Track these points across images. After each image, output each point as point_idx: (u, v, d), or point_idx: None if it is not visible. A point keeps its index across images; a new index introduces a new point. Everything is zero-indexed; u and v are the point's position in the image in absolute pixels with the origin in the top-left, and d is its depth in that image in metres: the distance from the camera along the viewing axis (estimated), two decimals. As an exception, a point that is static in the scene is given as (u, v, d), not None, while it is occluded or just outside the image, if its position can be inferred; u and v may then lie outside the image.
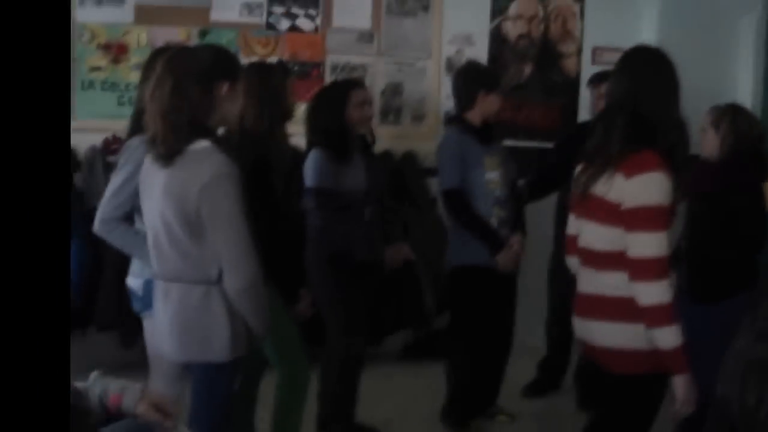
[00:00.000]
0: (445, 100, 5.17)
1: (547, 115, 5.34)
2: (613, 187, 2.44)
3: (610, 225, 2.46)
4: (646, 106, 2.50)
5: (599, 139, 2.55)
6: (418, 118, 5.24)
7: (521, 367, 4.41)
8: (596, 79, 4.35)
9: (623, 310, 2.44)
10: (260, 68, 3.48)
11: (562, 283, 4.34)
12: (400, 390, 4.40)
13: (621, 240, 2.43)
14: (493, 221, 3.84)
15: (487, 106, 3.87)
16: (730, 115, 3.52)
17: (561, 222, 4.27)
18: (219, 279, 2.50)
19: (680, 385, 2.40)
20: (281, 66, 3.78)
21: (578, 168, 2.66)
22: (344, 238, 3.65)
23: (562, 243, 4.27)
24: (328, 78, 5.02)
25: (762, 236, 3.53)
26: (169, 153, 2.46)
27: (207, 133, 2.49)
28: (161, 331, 2.64)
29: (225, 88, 2.52)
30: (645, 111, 2.49)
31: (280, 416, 3.34)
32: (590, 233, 2.56)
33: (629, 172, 2.41)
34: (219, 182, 2.42)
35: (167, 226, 2.50)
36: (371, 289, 3.84)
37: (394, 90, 5.13)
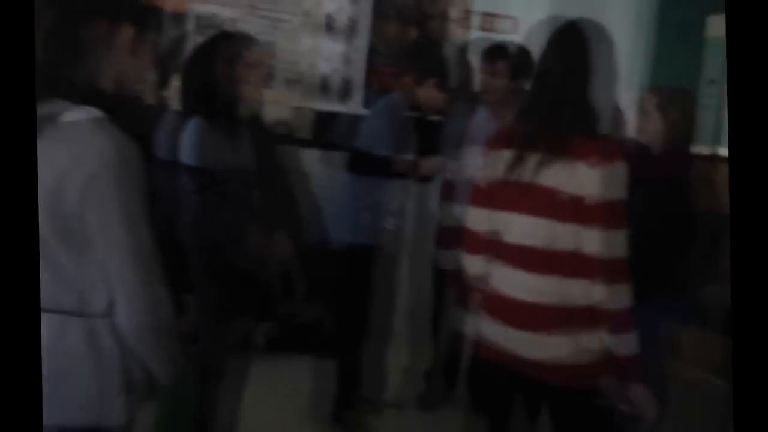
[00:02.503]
0: (324, 63, 4.71)
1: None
2: (573, 178, 2.17)
3: (564, 221, 2.19)
4: (597, 87, 2.26)
5: (541, 122, 2.26)
6: (293, 82, 4.74)
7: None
8: (493, 54, 3.93)
9: (572, 320, 2.22)
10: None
11: (444, 282, 4.05)
12: (266, 389, 3.98)
13: (574, 239, 2.18)
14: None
15: (424, 95, 3.71)
16: (680, 99, 3.28)
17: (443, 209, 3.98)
18: (108, 311, 1.77)
19: (641, 393, 2.23)
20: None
21: (497, 152, 2.32)
22: (226, 229, 3.09)
23: (447, 233, 4.04)
24: (192, 34, 4.44)
25: (696, 232, 3.35)
26: None
27: (96, 96, 1.74)
28: None
29: (128, 35, 1.80)
30: (596, 92, 2.26)
31: None
32: (533, 230, 2.24)
33: (595, 161, 2.15)
34: (112, 173, 1.68)
35: None
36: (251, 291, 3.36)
37: (266, 50, 4.60)
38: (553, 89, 2.27)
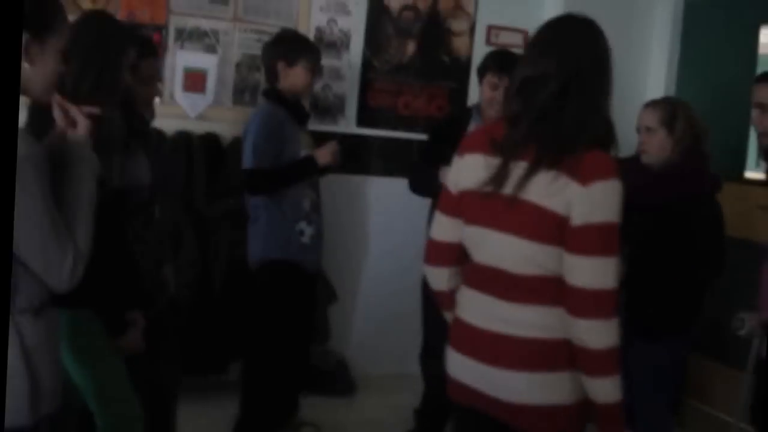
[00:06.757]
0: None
1: (431, 102, 4.58)
2: (561, 195, 1.89)
3: (546, 243, 1.91)
4: (592, 92, 1.98)
5: (529, 129, 1.96)
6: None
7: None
8: (501, 65, 3.50)
9: (550, 355, 1.96)
10: (99, 21, 2.65)
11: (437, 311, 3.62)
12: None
13: (555, 263, 1.91)
14: (306, 203, 3.52)
15: (291, 79, 3.52)
16: (683, 111, 2.96)
17: None
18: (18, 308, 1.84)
19: None
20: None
21: (474, 156, 2.05)
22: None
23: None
24: (172, 46, 4.16)
25: (722, 257, 2.97)
26: None
27: None
28: None
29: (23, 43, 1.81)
30: (591, 99, 1.98)
31: None
32: (507, 250, 1.97)
33: (586, 178, 1.87)
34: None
35: None
36: None
37: (250, 63, 4.30)
38: (547, 95, 1.96)
